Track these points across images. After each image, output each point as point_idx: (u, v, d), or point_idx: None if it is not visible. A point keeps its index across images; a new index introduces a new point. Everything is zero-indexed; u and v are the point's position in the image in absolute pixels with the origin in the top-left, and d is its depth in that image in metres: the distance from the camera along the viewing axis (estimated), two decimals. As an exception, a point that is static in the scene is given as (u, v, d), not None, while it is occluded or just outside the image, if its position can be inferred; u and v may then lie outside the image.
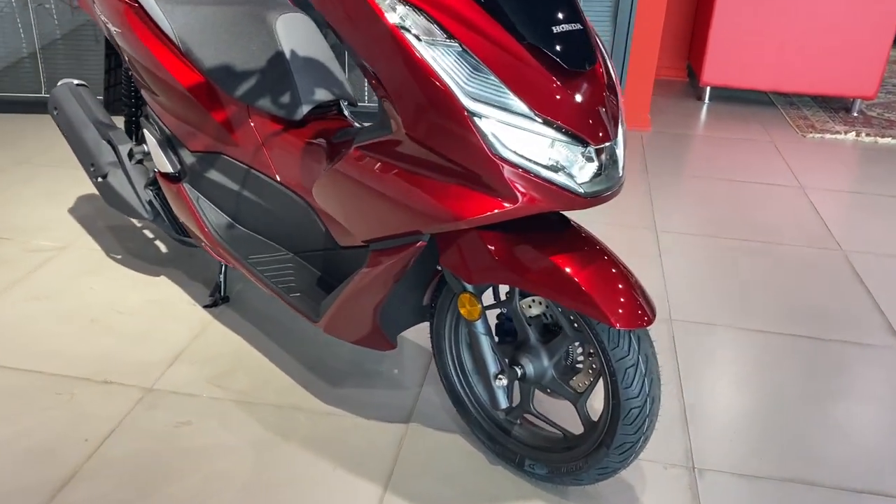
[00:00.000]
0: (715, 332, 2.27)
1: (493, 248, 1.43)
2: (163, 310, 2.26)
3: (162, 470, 1.67)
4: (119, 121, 2.60)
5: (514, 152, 1.29)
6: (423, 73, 1.27)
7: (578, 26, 1.34)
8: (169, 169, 2.03)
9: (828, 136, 4.07)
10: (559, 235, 1.44)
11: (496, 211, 1.31)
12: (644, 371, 1.42)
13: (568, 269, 1.36)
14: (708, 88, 4.59)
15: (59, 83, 2.40)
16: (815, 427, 1.89)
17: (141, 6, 1.95)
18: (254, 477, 1.67)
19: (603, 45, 1.48)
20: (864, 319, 2.37)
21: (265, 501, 1.60)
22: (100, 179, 2.23)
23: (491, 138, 1.28)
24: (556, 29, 1.31)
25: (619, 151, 1.40)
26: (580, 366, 1.60)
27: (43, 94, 3.89)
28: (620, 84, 1.48)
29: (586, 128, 1.31)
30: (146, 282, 2.40)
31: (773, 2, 4.19)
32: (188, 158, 2.01)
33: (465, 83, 1.27)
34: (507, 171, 1.28)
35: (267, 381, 1.97)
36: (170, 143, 2.04)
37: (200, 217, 1.98)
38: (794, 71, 4.32)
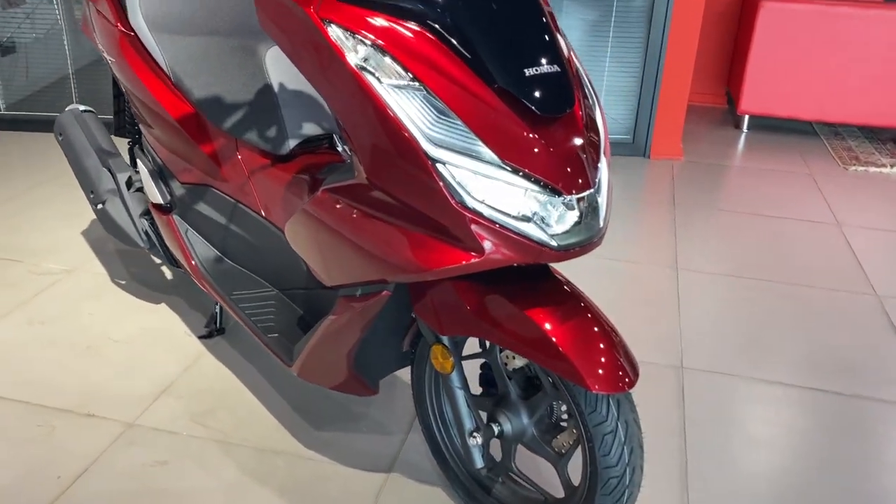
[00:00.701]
0: (730, 384, 2.14)
1: (466, 298, 1.34)
2: (157, 339, 2.23)
3: (129, 513, 1.62)
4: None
5: (481, 202, 1.20)
6: (384, 117, 1.20)
7: (555, 68, 1.25)
8: (160, 200, 2.00)
9: (872, 169, 3.87)
10: (538, 287, 1.35)
11: (462, 263, 1.23)
12: (623, 438, 1.32)
13: (545, 325, 1.27)
14: (746, 117, 4.42)
15: (66, 109, 2.40)
16: (840, 499, 1.74)
17: (136, 35, 1.93)
18: (221, 525, 1.60)
19: (588, 82, 1.39)
20: None
21: (228, 553, 1.53)
22: (99, 206, 2.21)
23: (456, 187, 1.20)
24: (529, 72, 1.22)
25: (601, 199, 1.30)
26: (564, 424, 1.50)
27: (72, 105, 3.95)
28: (605, 124, 1.38)
29: (560, 177, 1.22)
30: (145, 308, 2.37)
31: (815, 29, 4.02)
32: (178, 190, 1.98)
33: (430, 128, 1.20)
34: (472, 222, 1.20)
35: (250, 420, 1.91)
36: (161, 175, 2.01)
37: (188, 249, 1.94)
38: (838, 100, 4.13)
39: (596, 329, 1.30)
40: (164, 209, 2.01)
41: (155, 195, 2.00)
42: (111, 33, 1.98)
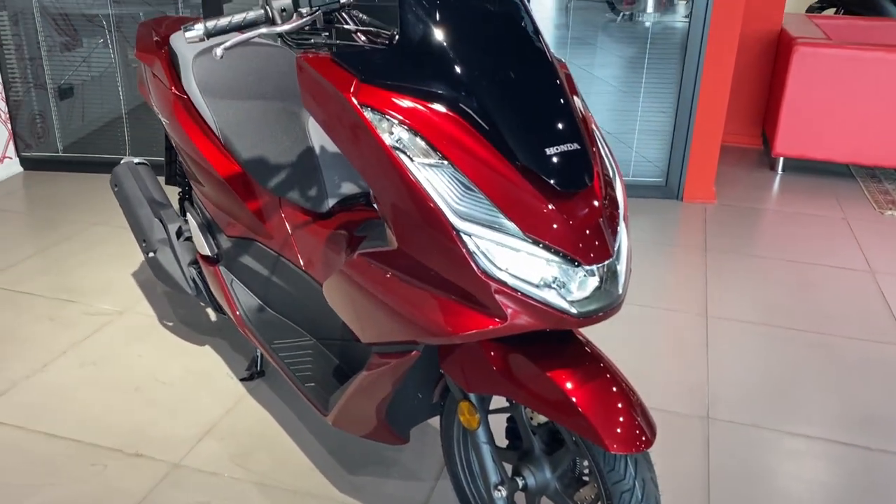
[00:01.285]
0: (756, 436, 2.17)
1: (491, 359, 1.42)
2: (201, 381, 2.34)
3: (173, 552, 1.72)
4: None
5: (504, 271, 1.29)
6: (414, 192, 1.29)
7: (574, 146, 1.34)
8: (207, 252, 2.12)
9: (909, 213, 3.85)
10: (561, 349, 1.42)
11: (488, 328, 1.31)
12: (641, 497, 1.37)
13: (565, 386, 1.34)
14: (781, 159, 4.44)
15: (121, 161, 2.56)
16: (851, 552, 1.77)
17: (188, 98, 2.07)
18: (258, 567, 1.69)
19: (608, 153, 1.47)
20: (922, 428, 2.21)
21: None
22: (150, 255, 2.35)
23: (480, 257, 1.28)
24: (550, 150, 1.31)
25: (621, 268, 1.38)
26: (586, 479, 1.56)
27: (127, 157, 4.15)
28: (623, 194, 1.46)
29: (578, 248, 1.30)
30: (190, 351, 2.50)
31: (848, 72, 4.04)
32: (224, 243, 2.10)
33: (457, 202, 1.29)
34: (496, 290, 1.28)
35: (287, 462, 2.00)
36: (209, 228, 2.13)
37: (233, 299, 2.06)
38: (874, 143, 4.13)
39: (615, 390, 1.36)
40: (211, 260, 2.13)
41: (203, 247, 2.13)
42: (165, 96, 2.13)
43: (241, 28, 1.46)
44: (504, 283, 1.28)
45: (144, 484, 1.92)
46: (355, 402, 1.63)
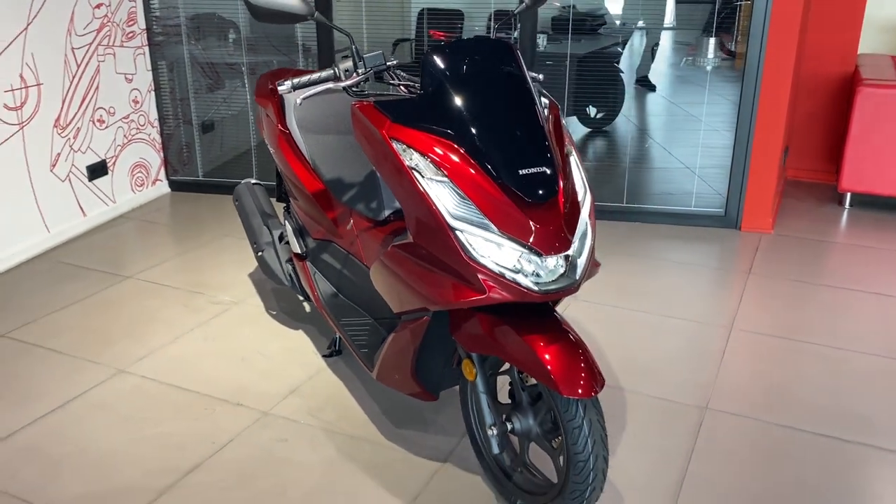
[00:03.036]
0: (746, 425, 2.52)
1: (484, 327, 1.91)
2: (292, 356, 2.94)
3: (256, 470, 2.30)
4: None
5: (485, 257, 1.78)
6: (423, 200, 1.82)
7: (542, 168, 1.83)
8: (298, 250, 2.73)
9: (967, 247, 3.98)
10: (538, 322, 1.89)
11: (472, 298, 1.81)
12: (588, 433, 1.81)
13: (534, 346, 1.80)
14: (848, 194, 4.64)
15: (242, 181, 3.24)
16: (798, 514, 2.10)
17: (290, 133, 2.70)
18: (317, 485, 2.24)
19: (581, 176, 1.94)
20: (902, 428, 2.48)
21: (317, 502, 2.16)
22: (259, 254, 2.99)
23: (468, 247, 1.79)
24: (523, 171, 1.81)
25: (580, 260, 1.85)
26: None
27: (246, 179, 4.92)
28: (588, 206, 1.93)
29: (539, 242, 1.77)
30: (287, 333, 3.11)
31: (912, 112, 4.22)
32: (311, 243, 2.70)
33: (453, 208, 1.80)
34: (477, 271, 1.78)
35: (349, 416, 2.55)
36: (300, 232, 2.75)
37: (315, 287, 2.65)
38: (939, 180, 4.27)
39: (571, 352, 1.81)
40: (301, 257, 2.74)
41: (296, 247, 2.74)
42: (273, 131, 2.77)
43: (316, 83, 2.05)
44: (484, 267, 1.78)
45: (241, 424, 2.52)
46: (389, 359, 2.16)
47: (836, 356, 2.93)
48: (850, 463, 2.33)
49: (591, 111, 5.61)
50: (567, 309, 3.28)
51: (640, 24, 5.99)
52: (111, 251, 3.98)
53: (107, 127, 4.34)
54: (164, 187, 4.92)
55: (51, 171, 3.98)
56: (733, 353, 2.96)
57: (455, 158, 1.83)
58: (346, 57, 2.05)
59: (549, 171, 1.84)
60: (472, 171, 1.82)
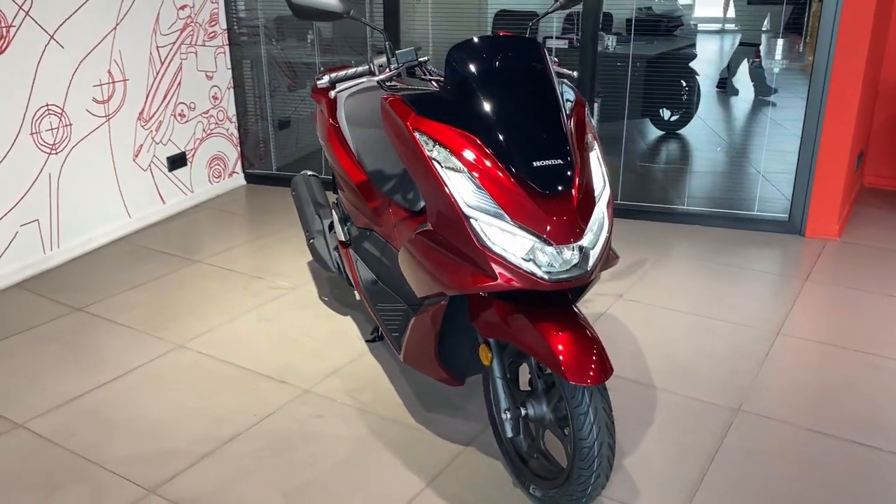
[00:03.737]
0: (776, 428, 2.49)
1: (500, 313, 1.98)
2: (338, 339, 3.08)
3: (291, 442, 2.44)
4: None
5: (498, 245, 1.86)
6: (441, 188, 1.91)
7: (557, 161, 1.89)
8: (343, 239, 2.87)
9: None
10: (553, 312, 1.95)
11: (484, 284, 1.88)
12: (593, 420, 1.86)
13: (545, 334, 1.87)
14: (926, 202, 4.44)
15: (299, 173, 3.41)
16: (816, 518, 2.08)
17: (338, 126, 2.84)
18: (345, 458, 2.36)
19: (602, 171, 1.99)
20: (945, 441, 2.39)
21: (344, 475, 2.28)
22: (310, 241, 3.15)
23: (482, 235, 1.86)
24: (537, 163, 1.87)
25: (594, 251, 1.90)
26: (575, 415, 2.06)
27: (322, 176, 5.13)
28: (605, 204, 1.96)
29: (549, 233, 1.83)
30: (336, 318, 3.26)
31: None
32: (354, 232, 2.83)
33: (469, 197, 1.88)
34: (490, 258, 1.86)
35: (384, 398, 2.67)
36: (345, 221, 2.88)
37: (356, 273, 2.78)
38: None
39: (582, 342, 1.86)
40: (345, 245, 2.88)
41: (341, 235, 2.88)
42: (324, 124, 2.92)
43: (353, 77, 2.17)
44: (496, 254, 1.86)
45: (283, 399, 2.68)
46: (412, 342, 2.26)
47: (883, 365, 2.84)
48: (878, 471, 2.27)
49: (665, 113, 5.56)
50: (611, 308, 3.30)
51: (717, 26, 5.89)
52: (185, 237, 4.25)
53: (187, 121, 4.61)
54: (239, 179, 5.18)
55: (133, 160, 4.27)
56: (776, 357, 2.91)
57: (473, 150, 1.91)
58: (381, 53, 2.16)
59: (563, 164, 1.90)
60: (489, 163, 1.89)
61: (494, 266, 1.86)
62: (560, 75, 2.16)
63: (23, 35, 3.54)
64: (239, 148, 5.13)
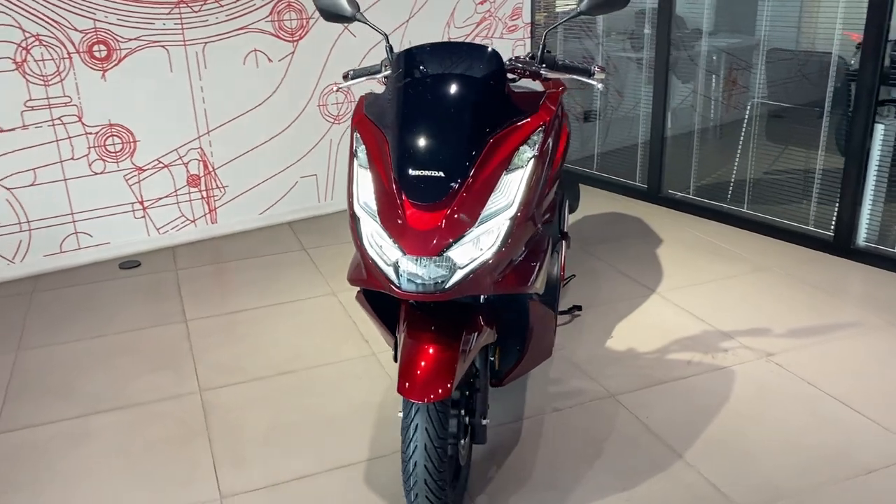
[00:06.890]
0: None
1: (402, 309, 2.00)
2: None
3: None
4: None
5: (370, 247, 1.91)
6: (351, 182, 2.02)
7: (438, 173, 1.84)
8: None
9: None
10: (434, 320, 1.91)
11: (356, 279, 1.97)
12: (412, 436, 1.81)
13: (405, 341, 1.88)
14: None
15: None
16: None
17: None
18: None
19: (518, 185, 1.89)
20: None
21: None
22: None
23: (363, 234, 1.94)
24: (415, 172, 1.86)
25: (462, 270, 1.82)
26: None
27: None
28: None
29: (405, 243, 1.82)
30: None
31: None
32: None
33: (363, 196, 1.96)
34: (364, 257, 1.93)
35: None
36: None
37: None
38: None
39: (431, 356, 1.81)
40: None
41: None
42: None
43: (364, 74, 2.36)
44: (368, 255, 1.92)
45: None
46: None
47: None
48: None
49: None
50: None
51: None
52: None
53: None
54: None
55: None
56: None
57: (380, 152, 1.98)
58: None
59: (444, 177, 1.85)
60: (383, 166, 1.95)
61: (367, 265, 1.93)
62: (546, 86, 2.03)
63: (321, 25, 4.37)
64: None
